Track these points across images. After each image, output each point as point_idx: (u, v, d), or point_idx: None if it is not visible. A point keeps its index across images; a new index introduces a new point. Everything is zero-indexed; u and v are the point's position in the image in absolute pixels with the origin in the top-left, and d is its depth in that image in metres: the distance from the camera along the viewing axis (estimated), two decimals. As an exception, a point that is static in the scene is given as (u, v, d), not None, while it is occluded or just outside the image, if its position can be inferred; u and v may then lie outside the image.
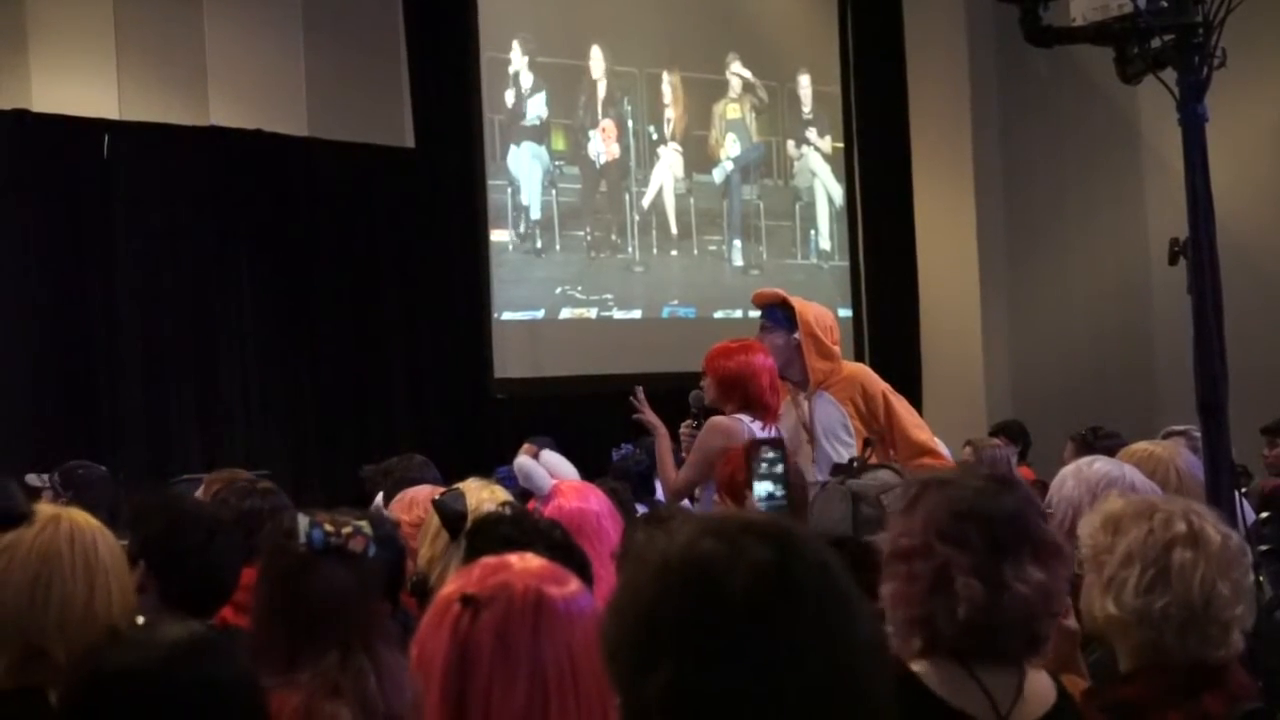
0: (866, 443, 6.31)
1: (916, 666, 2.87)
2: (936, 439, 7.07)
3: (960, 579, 2.80)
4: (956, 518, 2.86)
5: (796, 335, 7.06)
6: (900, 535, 2.92)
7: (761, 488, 3.43)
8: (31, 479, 7.58)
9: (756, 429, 6.60)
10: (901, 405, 7.08)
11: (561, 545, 3.62)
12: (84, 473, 7.59)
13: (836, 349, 7.13)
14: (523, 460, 5.01)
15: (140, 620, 2.60)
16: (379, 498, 6.16)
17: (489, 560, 2.46)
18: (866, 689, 1.82)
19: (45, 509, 3.37)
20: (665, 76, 14.10)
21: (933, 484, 2.97)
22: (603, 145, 13.66)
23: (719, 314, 13.94)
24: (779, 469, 3.48)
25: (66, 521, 3.25)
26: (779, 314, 7.17)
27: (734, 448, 5.56)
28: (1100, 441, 7.64)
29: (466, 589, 2.41)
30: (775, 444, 3.59)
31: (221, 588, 3.91)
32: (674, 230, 14.07)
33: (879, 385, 7.12)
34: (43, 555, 3.17)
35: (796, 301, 7.19)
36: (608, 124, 13.72)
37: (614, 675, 1.85)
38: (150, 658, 2.42)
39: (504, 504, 4.31)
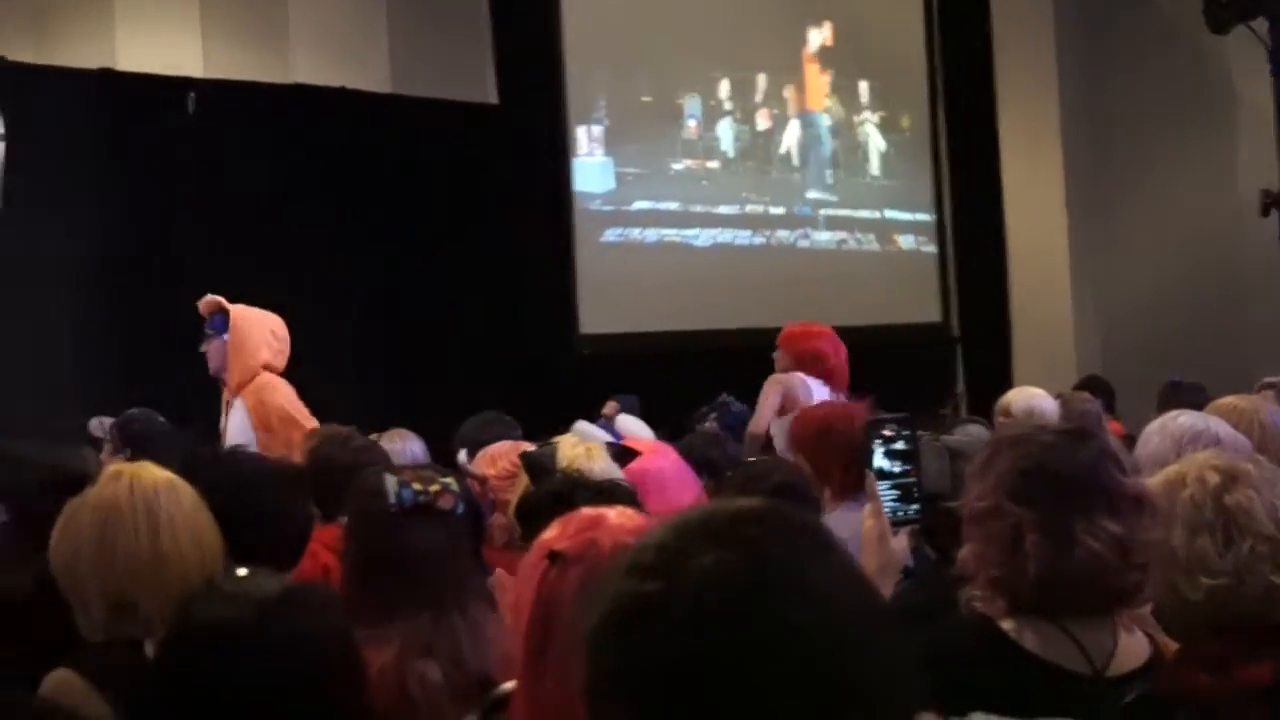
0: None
1: (1006, 625, 2.87)
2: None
3: (1029, 537, 2.80)
4: (1024, 475, 2.86)
5: (227, 338, 7.25)
6: (975, 497, 2.92)
7: (881, 463, 3.38)
8: (94, 426, 7.63)
9: (816, 385, 7.40)
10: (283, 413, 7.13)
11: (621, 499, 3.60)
12: (140, 427, 7.52)
13: (264, 356, 7.20)
14: (581, 424, 5.00)
15: (242, 572, 2.60)
16: (462, 454, 6.16)
17: (584, 513, 2.44)
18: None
19: (110, 467, 3.42)
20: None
21: (1005, 443, 2.97)
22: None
23: (807, 276, 13.91)
24: (899, 445, 3.43)
25: (127, 477, 3.27)
26: (218, 320, 7.33)
27: (807, 407, 5.66)
28: (1182, 396, 7.56)
29: (556, 544, 2.40)
30: (901, 421, 3.54)
31: (289, 544, 3.89)
32: (760, 191, 14.06)
33: (277, 398, 7.18)
34: (104, 511, 3.20)
35: (235, 309, 7.29)
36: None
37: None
38: (243, 611, 2.44)
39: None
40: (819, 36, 14.67)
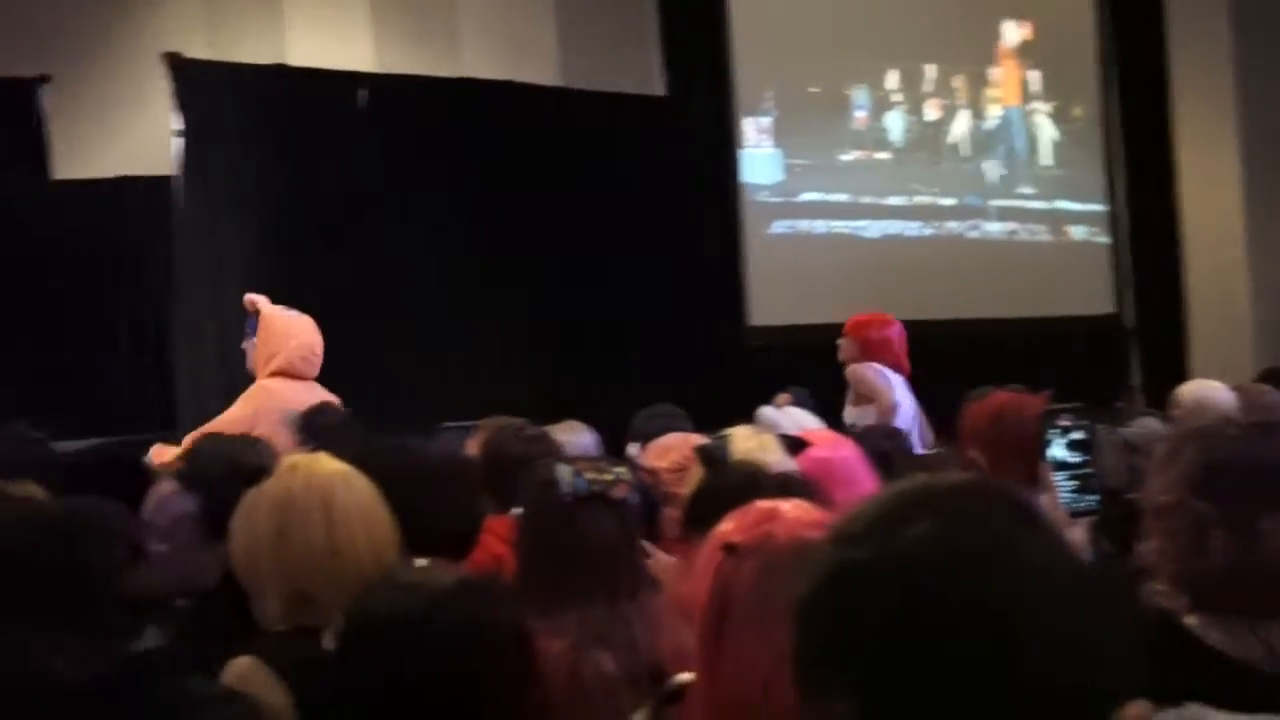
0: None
1: (1190, 620, 2.81)
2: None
3: (1214, 532, 2.73)
4: (1209, 469, 2.78)
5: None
6: (1158, 491, 2.86)
7: (1059, 454, 3.33)
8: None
9: (889, 372, 7.99)
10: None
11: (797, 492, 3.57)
12: (325, 420, 7.59)
13: (277, 363, 7.09)
14: (765, 410, 4.96)
15: (421, 562, 2.62)
16: (633, 447, 6.17)
17: (759, 506, 2.43)
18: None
19: (286, 459, 3.47)
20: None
21: (1189, 436, 2.90)
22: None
23: (977, 267, 13.79)
24: (1076, 436, 3.39)
25: (303, 469, 3.32)
26: (252, 321, 7.30)
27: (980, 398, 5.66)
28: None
29: (731, 537, 2.40)
30: (1078, 412, 3.51)
31: (462, 535, 3.90)
32: (929, 181, 13.96)
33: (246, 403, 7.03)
34: (280, 503, 3.25)
35: (265, 312, 7.22)
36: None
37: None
38: (418, 601, 2.45)
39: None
40: (989, 26, 14.52)
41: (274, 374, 6.89)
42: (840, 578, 1.58)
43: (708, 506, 3.55)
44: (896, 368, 8.10)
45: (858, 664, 1.54)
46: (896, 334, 8.28)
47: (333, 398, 6.95)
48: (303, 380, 6.87)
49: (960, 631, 1.52)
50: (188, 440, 5.89)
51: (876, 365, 8.00)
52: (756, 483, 3.38)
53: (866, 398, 7.80)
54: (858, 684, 1.54)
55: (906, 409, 8.17)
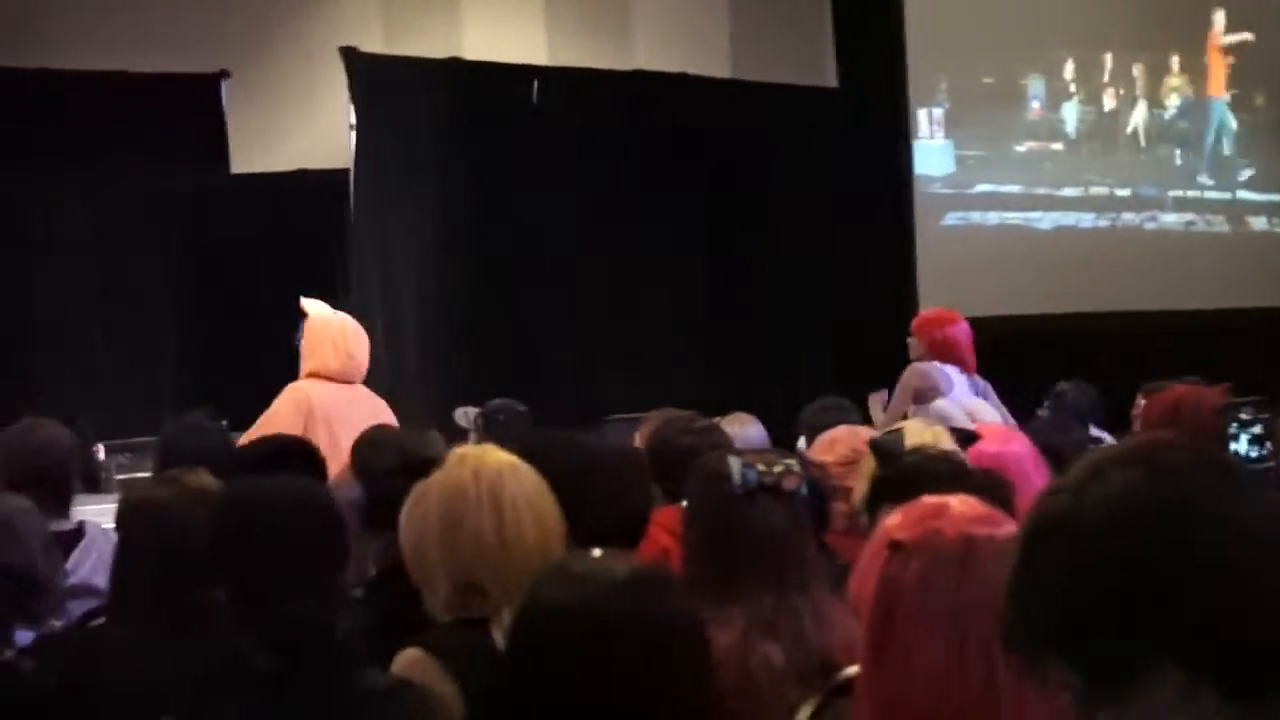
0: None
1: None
2: None
3: None
4: None
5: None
6: None
7: (1240, 448, 3.27)
8: (459, 417, 7.78)
9: (953, 371, 7.81)
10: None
11: (989, 489, 3.53)
12: (504, 417, 7.63)
13: (310, 364, 6.98)
14: (939, 402, 4.91)
15: (596, 553, 2.62)
16: (802, 440, 6.15)
17: (927, 502, 2.41)
18: None
19: (455, 451, 3.47)
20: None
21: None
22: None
23: (1153, 258, 13.60)
24: (1257, 429, 3.33)
25: (473, 460, 3.32)
26: (301, 323, 7.20)
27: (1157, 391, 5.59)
28: None
29: (897, 534, 2.37)
30: (1259, 405, 3.45)
31: (629, 526, 3.87)
32: (1105, 172, 13.78)
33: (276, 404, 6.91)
34: (449, 493, 3.25)
35: (311, 314, 7.11)
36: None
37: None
38: (591, 591, 2.45)
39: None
40: (1168, 14, 14.29)
41: (309, 375, 6.93)
42: (1045, 524, 1.69)
43: (882, 499, 3.53)
44: (962, 366, 7.98)
45: (1063, 597, 1.65)
46: (962, 332, 8.17)
47: (376, 402, 6.97)
48: (339, 383, 6.88)
49: (1153, 576, 1.60)
50: (242, 440, 5.97)
51: (927, 366, 7.90)
52: (926, 476, 3.35)
53: (926, 394, 7.71)
54: (1063, 613, 1.64)
55: (951, 408, 8.04)
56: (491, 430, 7.30)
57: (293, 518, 3.02)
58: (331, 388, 6.85)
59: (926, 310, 8.64)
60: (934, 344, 8.03)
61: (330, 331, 7.03)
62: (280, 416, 6.61)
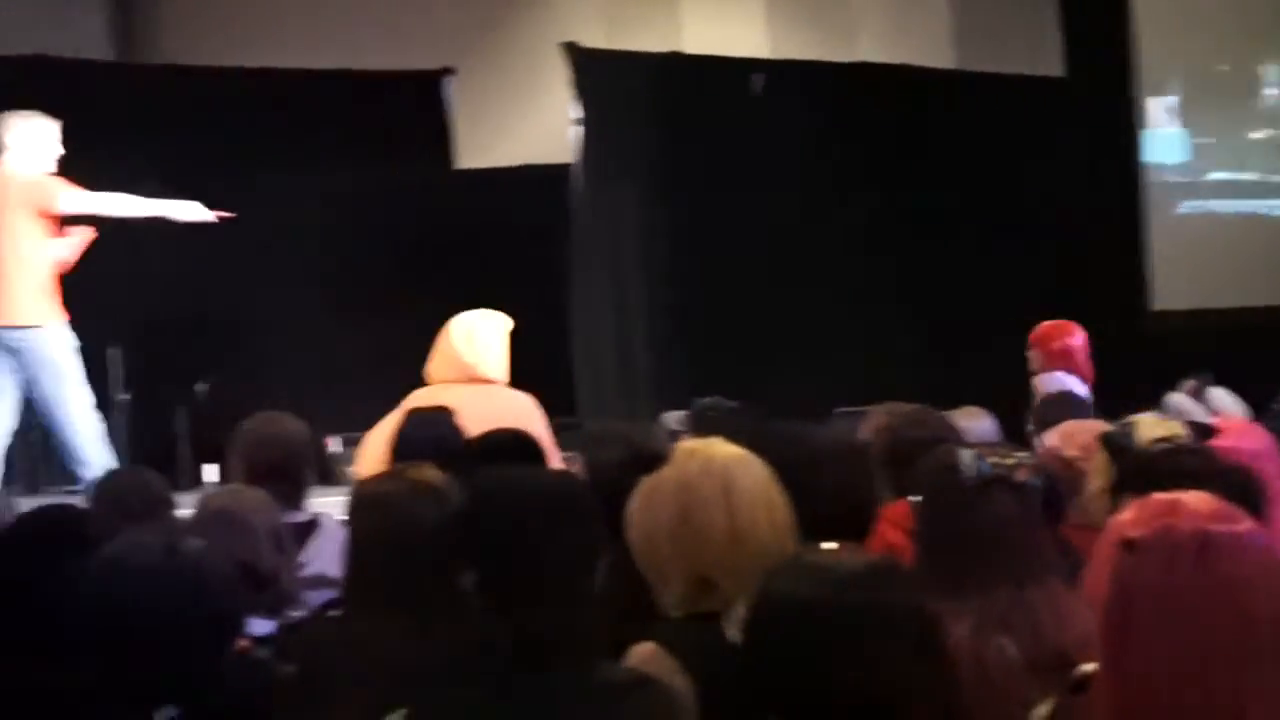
0: None
1: None
2: None
3: None
4: None
5: None
6: None
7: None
8: (669, 420, 7.78)
9: (1074, 382, 7.80)
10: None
11: (1239, 485, 3.44)
12: (714, 415, 7.59)
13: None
14: (1173, 396, 4.81)
15: (830, 546, 2.60)
16: (1034, 433, 6.09)
17: (1158, 499, 2.35)
18: None
19: (683, 445, 3.46)
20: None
21: None
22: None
23: None
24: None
25: (701, 454, 3.31)
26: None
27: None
28: None
29: (1129, 532, 2.32)
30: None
31: (857, 519, 3.81)
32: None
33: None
34: (680, 488, 3.24)
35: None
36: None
37: None
38: (827, 585, 2.43)
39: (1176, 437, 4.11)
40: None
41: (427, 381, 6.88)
42: None
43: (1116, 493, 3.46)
44: (1080, 375, 7.98)
45: None
46: (1079, 342, 8.25)
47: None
48: (445, 384, 6.78)
49: None
50: (363, 443, 6.01)
51: (1047, 377, 7.94)
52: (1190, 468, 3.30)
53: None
54: None
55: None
56: (702, 428, 7.28)
57: (553, 513, 2.98)
58: (434, 390, 6.81)
59: (1045, 322, 8.59)
60: (1050, 355, 8.14)
61: (439, 338, 6.95)
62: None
